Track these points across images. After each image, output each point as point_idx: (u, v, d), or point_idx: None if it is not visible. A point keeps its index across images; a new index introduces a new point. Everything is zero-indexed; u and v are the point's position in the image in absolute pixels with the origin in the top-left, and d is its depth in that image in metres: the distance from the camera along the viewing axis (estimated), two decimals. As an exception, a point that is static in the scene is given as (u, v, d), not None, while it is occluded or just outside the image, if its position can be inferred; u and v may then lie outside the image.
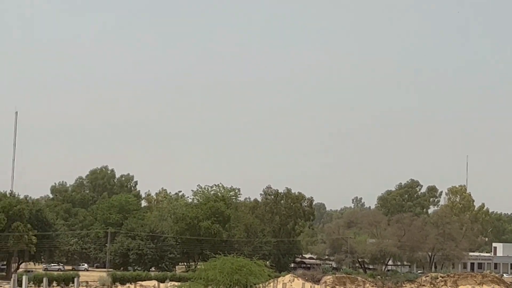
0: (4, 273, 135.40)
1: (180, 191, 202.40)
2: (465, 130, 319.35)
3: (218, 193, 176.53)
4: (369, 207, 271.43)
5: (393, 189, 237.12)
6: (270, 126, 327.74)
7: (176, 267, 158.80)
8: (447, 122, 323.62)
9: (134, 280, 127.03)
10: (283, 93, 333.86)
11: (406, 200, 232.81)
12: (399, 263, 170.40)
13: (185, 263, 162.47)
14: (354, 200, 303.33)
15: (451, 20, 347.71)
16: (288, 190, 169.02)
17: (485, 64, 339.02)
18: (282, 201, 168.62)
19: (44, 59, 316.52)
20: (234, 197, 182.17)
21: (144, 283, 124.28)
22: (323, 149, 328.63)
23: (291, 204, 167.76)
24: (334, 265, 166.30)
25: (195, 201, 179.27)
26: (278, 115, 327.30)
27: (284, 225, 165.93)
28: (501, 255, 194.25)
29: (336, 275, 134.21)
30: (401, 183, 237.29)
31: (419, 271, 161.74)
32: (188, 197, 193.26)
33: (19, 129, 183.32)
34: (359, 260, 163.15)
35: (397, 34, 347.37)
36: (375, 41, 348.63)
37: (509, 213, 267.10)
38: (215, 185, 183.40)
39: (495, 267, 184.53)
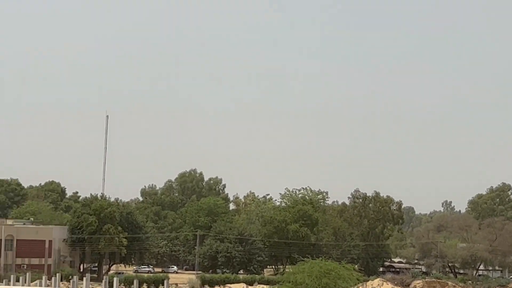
0: (95, 275, 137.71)
1: (268, 194, 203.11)
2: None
3: (306, 196, 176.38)
4: (459, 211, 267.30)
5: (484, 192, 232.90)
6: (359, 130, 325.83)
7: (264, 270, 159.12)
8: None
9: (223, 282, 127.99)
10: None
11: (497, 204, 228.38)
12: (490, 268, 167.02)
13: (273, 266, 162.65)
14: (444, 204, 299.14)
15: None
16: (377, 194, 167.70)
17: None
18: (370, 205, 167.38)
19: (133, 66, 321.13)
20: (322, 201, 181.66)
21: (232, 285, 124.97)
22: (411, 153, 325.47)
23: (380, 207, 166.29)
24: (423, 269, 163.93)
25: (283, 204, 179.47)
26: (370, 123, 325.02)
27: (372, 229, 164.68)
28: None
29: (426, 279, 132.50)
30: (492, 186, 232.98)
31: (511, 276, 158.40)
32: (276, 200, 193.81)
33: (110, 133, 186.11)
34: (449, 264, 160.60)
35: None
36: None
37: None
38: (303, 188, 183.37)
39: None
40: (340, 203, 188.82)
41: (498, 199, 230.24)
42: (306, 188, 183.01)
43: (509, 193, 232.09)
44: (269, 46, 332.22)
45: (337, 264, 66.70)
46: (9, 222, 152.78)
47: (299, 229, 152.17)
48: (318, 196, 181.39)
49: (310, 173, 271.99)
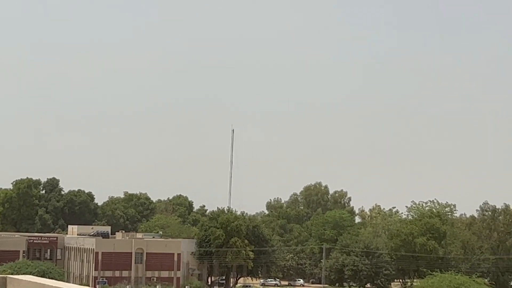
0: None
1: (394, 207, 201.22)
2: None
3: (433, 209, 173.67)
4: None
5: None
6: (483, 140, 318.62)
7: (392, 283, 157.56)
8: None
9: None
10: None
11: None
12: None
13: (400, 280, 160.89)
14: None
15: None
16: (507, 206, 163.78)
17: None
18: (500, 217, 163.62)
19: (255, 82, 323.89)
20: (449, 213, 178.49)
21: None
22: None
23: (510, 220, 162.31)
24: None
25: (410, 217, 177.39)
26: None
27: (502, 242, 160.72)
28: None
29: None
30: None
31: None
32: (402, 213, 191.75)
33: (235, 146, 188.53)
34: None
35: None
36: None
37: None
38: (430, 201, 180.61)
39: None
40: (468, 215, 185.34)
41: None
42: (433, 200, 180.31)
43: None
44: None
45: (467, 278, 65.61)
46: (139, 235, 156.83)
47: (427, 242, 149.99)
48: (446, 209, 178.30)
49: (437, 186, 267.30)
